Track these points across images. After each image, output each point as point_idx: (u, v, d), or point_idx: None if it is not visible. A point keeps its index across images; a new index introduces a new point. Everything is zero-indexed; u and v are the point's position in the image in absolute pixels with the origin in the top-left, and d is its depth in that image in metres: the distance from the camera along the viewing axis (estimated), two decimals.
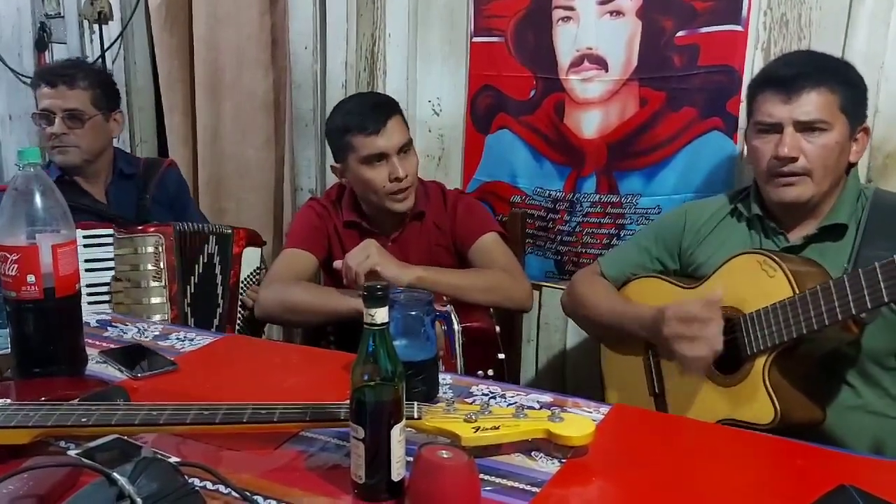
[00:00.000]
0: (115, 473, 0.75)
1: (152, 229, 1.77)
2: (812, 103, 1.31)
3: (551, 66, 1.87)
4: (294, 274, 1.66)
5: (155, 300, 1.75)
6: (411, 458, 0.84)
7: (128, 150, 2.60)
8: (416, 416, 0.94)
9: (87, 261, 1.69)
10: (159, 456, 0.84)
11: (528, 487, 0.90)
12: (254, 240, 1.95)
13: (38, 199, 1.12)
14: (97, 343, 1.37)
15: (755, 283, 1.29)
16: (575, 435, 0.93)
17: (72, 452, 0.88)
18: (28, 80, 2.44)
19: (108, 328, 1.48)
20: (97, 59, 2.54)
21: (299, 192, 2.32)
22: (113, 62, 2.58)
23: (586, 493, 0.91)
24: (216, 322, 1.86)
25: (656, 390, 1.47)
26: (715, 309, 1.25)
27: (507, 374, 1.48)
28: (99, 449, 0.89)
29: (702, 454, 1.02)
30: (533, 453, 0.97)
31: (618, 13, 1.78)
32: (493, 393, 1.18)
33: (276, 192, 2.43)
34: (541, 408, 1.10)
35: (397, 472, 0.86)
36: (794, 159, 1.32)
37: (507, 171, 1.99)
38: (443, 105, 2.06)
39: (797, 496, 0.85)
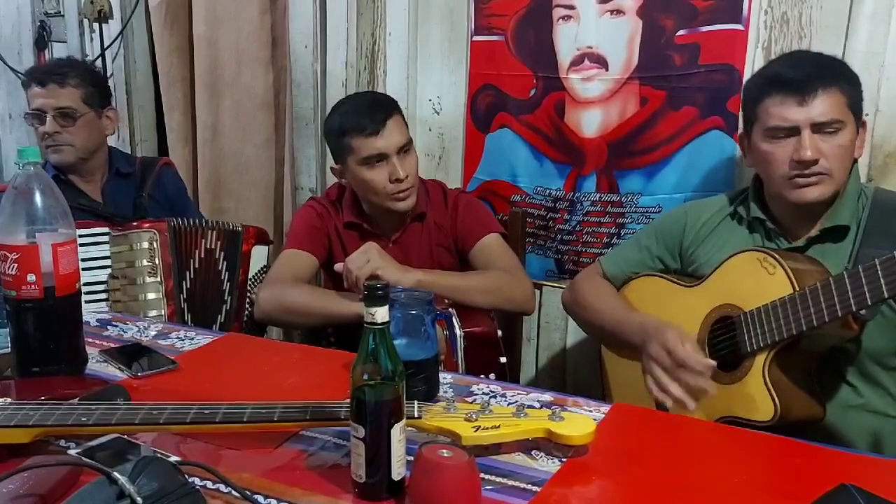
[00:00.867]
0: (115, 472, 0.75)
1: (147, 225, 1.77)
2: (826, 104, 1.30)
3: (551, 64, 1.86)
4: (294, 275, 1.66)
5: (151, 296, 1.75)
6: (412, 458, 0.84)
7: (128, 149, 2.60)
8: (416, 415, 0.94)
9: (83, 260, 1.68)
10: (159, 455, 0.84)
11: (528, 486, 0.90)
12: (262, 238, 1.95)
13: (38, 198, 1.12)
14: (97, 342, 1.37)
15: (755, 280, 1.29)
16: (575, 434, 0.93)
17: (72, 451, 0.88)
18: None
19: (109, 327, 1.48)
20: (97, 57, 2.54)
21: (299, 191, 2.32)
22: (113, 61, 2.57)
23: (587, 492, 0.91)
24: (221, 319, 1.86)
25: None
26: (707, 372, 1.25)
27: (508, 375, 1.48)
28: (99, 448, 0.89)
29: (702, 453, 1.02)
30: (533, 452, 0.97)
31: (618, 12, 1.77)
32: (493, 392, 1.18)
33: (275, 191, 2.43)
34: (541, 407, 1.10)
35: (397, 471, 0.86)
36: (816, 161, 1.31)
37: (508, 170, 1.99)
38: (443, 104, 2.05)
39: (797, 495, 0.85)
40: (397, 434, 0.85)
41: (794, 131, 1.32)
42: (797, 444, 1.02)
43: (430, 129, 2.07)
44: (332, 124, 1.67)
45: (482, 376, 1.34)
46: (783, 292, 1.23)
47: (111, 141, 2.53)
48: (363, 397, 0.85)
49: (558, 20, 1.84)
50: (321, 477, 0.92)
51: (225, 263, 1.87)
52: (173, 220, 1.81)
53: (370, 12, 2.09)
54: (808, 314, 1.19)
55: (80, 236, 1.66)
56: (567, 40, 1.84)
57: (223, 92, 2.36)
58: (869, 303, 1.13)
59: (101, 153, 1.93)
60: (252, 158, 2.40)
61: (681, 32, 1.72)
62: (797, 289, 1.22)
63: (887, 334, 1.30)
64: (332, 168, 1.73)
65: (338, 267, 1.54)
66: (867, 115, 1.54)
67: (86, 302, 1.58)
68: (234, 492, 0.86)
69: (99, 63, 2.53)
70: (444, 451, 0.83)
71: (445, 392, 1.18)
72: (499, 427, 0.93)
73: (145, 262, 1.75)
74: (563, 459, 0.95)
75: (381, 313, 0.85)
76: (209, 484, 0.88)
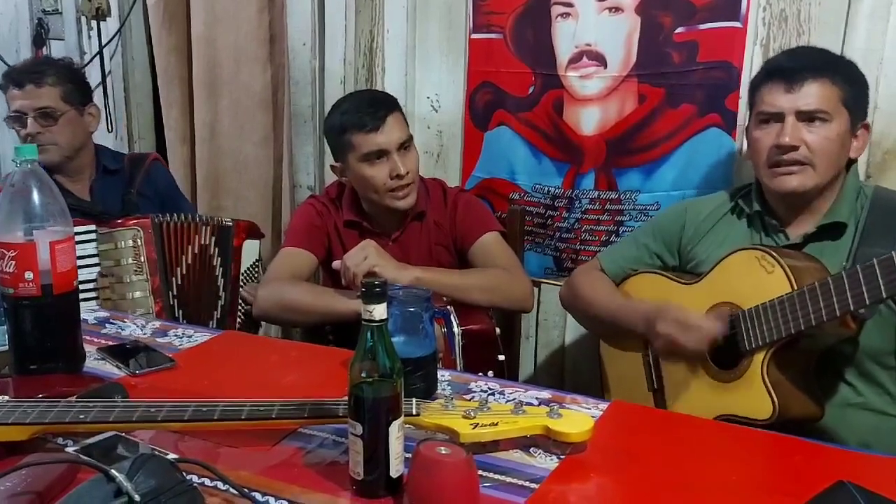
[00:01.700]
0: (112, 470, 0.75)
1: (131, 222, 1.77)
2: (813, 94, 1.32)
3: (550, 62, 1.86)
4: (292, 273, 1.65)
5: (138, 294, 1.75)
6: (410, 455, 0.84)
7: (126, 147, 2.60)
8: (414, 412, 0.94)
9: None
10: (157, 453, 0.83)
11: (526, 483, 0.90)
12: (253, 232, 1.94)
13: (35, 196, 1.11)
14: (95, 340, 1.37)
15: (753, 278, 1.29)
16: (573, 431, 0.93)
17: (70, 449, 0.88)
18: None
19: (106, 325, 1.48)
20: (95, 55, 2.54)
21: (298, 189, 2.32)
22: (111, 59, 2.57)
23: (585, 489, 0.91)
24: (217, 315, 1.86)
25: (655, 386, 1.47)
26: (723, 320, 1.29)
27: (507, 372, 1.48)
28: (97, 446, 0.88)
29: (700, 450, 1.02)
30: (531, 449, 0.97)
31: (617, 9, 1.77)
32: (491, 389, 1.18)
33: (274, 189, 2.43)
34: (539, 404, 1.10)
35: (396, 468, 0.86)
36: (795, 148, 1.32)
37: (506, 167, 1.99)
38: (441, 101, 2.05)
39: (795, 492, 0.85)
40: (395, 431, 0.85)
41: (779, 117, 1.34)
42: (795, 441, 1.02)
43: (428, 127, 2.07)
44: (333, 122, 1.67)
45: (480, 374, 1.34)
46: (781, 291, 1.24)
47: (110, 139, 2.54)
48: (361, 394, 0.85)
49: (557, 18, 1.84)
50: (319, 474, 0.92)
51: (219, 259, 1.86)
52: (157, 216, 1.80)
53: (368, 10, 2.09)
54: (807, 313, 1.19)
55: None
56: (565, 38, 1.84)
57: (221, 90, 2.36)
58: (867, 302, 1.13)
59: (87, 151, 1.92)
60: (250, 156, 2.40)
61: (679, 30, 1.72)
62: (795, 287, 1.22)
63: (885, 333, 1.30)
64: (332, 166, 1.73)
65: (335, 264, 1.54)
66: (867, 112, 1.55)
67: None
68: (231, 489, 0.86)
69: (97, 61, 2.53)
70: (443, 448, 0.83)
71: (444, 389, 1.18)
72: (497, 424, 0.93)
73: (130, 260, 1.75)
74: (562, 456, 0.95)
75: (379, 310, 0.85)
76: (207, 481, 0.88)
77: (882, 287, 1.11)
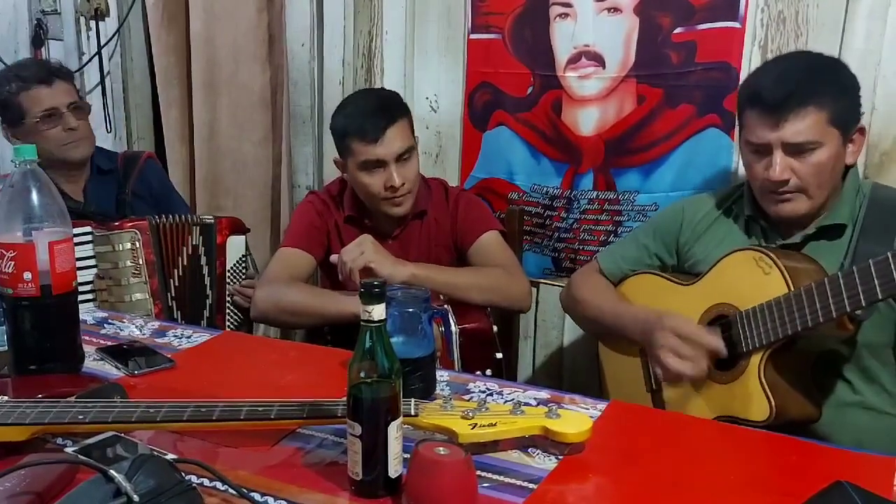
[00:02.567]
0: (111, 470, 0.75)
1: (129, 225, 1.76)
2: (799, 125, 1.28)
3: (549, 62, 1.86)
4: (290, 274, 1.65)
5: (137, 296, 1.75)
6: (408, 455, 0.84)
7: (125, 147, 2.60)
8: (413, 412, 0.94)
9: None
10: (156, 453, 0.83)
11: (525, 484, 0.90)
12: (237, 227, 1.92)
13: (34, 196, 1.12)
14: (94, 340, 1.37)
15: (751, 279, 1.29)
16: (572, 431, 0.94)
17: (69, 449, 0.88)
18: None
19: (105, 325, 1.48)
20: (94, 55, 2.53)
21: (296, 189, 2.32)
22: (110, 59, 2.57)
23: (583, 489, 0.91)
24: (206, 314, 1.85)
25: (653, 386, 1.47)
26: (715, 338, 1.28)
27: (505, 372, 1.48)
28: (96, 446, 0.88)
29: (698, 450, 1.02)
30: (530, 450, 0.97)
31: (615, 10, 1.77)
32: (490, 390, 1.19)
33: (273, 188, 2.43)
34: (538, 404, 1.10)
35: (394, 468, 0.86)
36: (786, 181, 1.31)
37: (505, 168, 1.99)
38: (440, 102, 2.05)
39: (793, 492, 0.85)
40: (394, 432, 0.85)
41: (767, 149, 1.32)
42: (793, 441, 1.02)
43: (427, 128, 2.07)
44: (337, 121, 1.67)
45: (478, 373, 1.35)
46: (778, 292, 1.24)
47: (109, 139, 2.54)
48: (360, 395, 0.85)
49: (555, 18, 1.84)
50: (318, 474, 0.92)
51: (205, 258, 1.85)
52: (154, 218, 1.79)
53: (367, 10, 2.09)
54: (803, 314, 1.19)
55: None
56: (564, 38, 1.84)
57: (220, 90, 2.36)
58: (863, 304, 1.13)
59: None
60: (249, 156, 2.40)
61: (678, 30, 1.73)
62: (792, 288, 1.22)
63: (883, 328, 1.30)
64: (334, 160, 1.73)
65: (333, 258, 1.53)
66: (863, 113, 1.54)
67: None
68: (230, 489, 0.86)
69: (95, 61, 2.53)
70: (441, 448, 0.83)
71: (442, 390, 1.18)
72: (495, 425, 0.93)
73: (129, 263, 1.74)
74: (560, 457, 0.95)
75: (378, 311, 0.85)
76: (206, 482, 0.88)
77: (878, 288, 1.11)
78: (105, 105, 2.54)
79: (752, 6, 1.65)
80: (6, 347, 1.16)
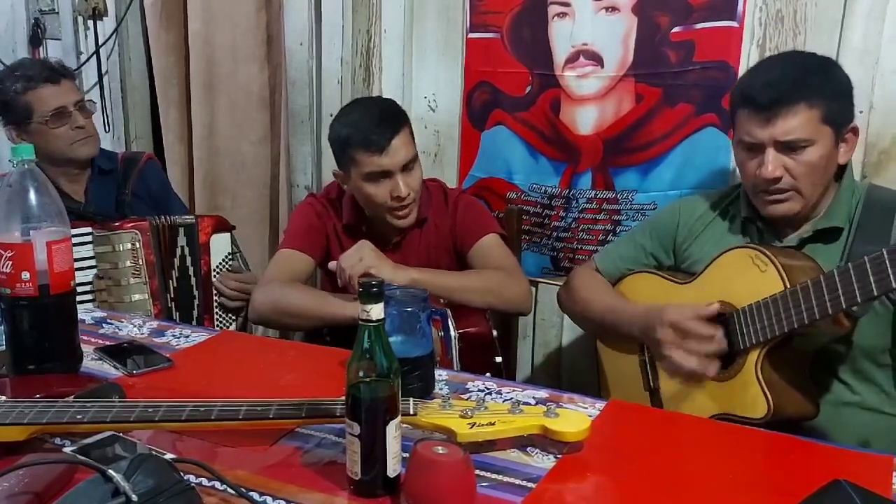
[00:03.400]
0: (110, 470, 0.75)
1: (129, 225, 1.76)
2: (791, 123, 1.28)
3: (547, 62, 1.87)
4: (289, 276, 1.64)
5: (136, 297, 1.75)
6: (407, 455, 0.84)
7: (123, 147, 2.60)
8: (411, 412, 0.94)
9: None
10: (155, 453, 0.83)
11: (523, 483, 0.90)
12: (221, 226, 1.89)
13: (32, 196, 1.11)
14: (92, 340, 1.37)
15: (747, 277, 1.29)
16: (570, 430, 0.94)
17: (67, 449, 0.88)
18: None
19: (104, 325, 1.48)
20: (91, 55, 2.53)
21: (295, 188, 2.32)
22: (108, 58, 2.57)
23: (581, 488, 0.91)
24: (195, 314, 1.85)
25: (651, 385, 1.47)
26: (713, 326, 1.27)
27: (504, 374, 1.48)
28: (94, 446, 0.88)
29: (696, 449, 1.02)
30: (528, 449, 0.97)
31: (613, 9, 1.77)
32: (488, 389, 1.19)
33: (271, 188, 2.43)
34: (536, 403, 1.10)
35: (393, 468, 0.86)
36: (778, 179, 1.31)
37: (503, 167, 1.99)
38: (438, 101, 2.05)
39: (791, 490, 0.85)
40: (393, 431, 0.85)
41: (759, 147, 1.32)
42: (791, 439, 1.02)
43: (425, 127, 2.07)
44: (338, 132, 1.63)
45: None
46: (775, 289, 1.24)
47: (108, 139, 2.54)
48: (359, 394, 0.85)
49: (553, 17, 1.84)
50: (317, 474, 0.92)
51: (190, 259, 1.84)
52: (154, 218, 1.79)
53: (365, 9, 2.09)
54: (800, 312, 1.19)
55: None
56: (562, 37, 1.84)
57: (219, 89, 2.36)
58: (859, 300, 1.13)
59: None
60: (248, 156, 2.40)
61: (676, 29, 1.73)
62: (788, 286, 1.22)
63: (879, 331, 1.30)
64: (334, 172, 1.70)
65: (332, 265, 1.53)
66: (861, 111, 1.55)
67: None
68: (229, 489, 0.86)
69: (93, 61, 2.53)
70: (440, 447, 0.83)
71: (441, 389, 1.18)
72: (494, 424, 0.93)
73: (129, 263, 1.74)
74: (559, 456, 0.95)
75: (377, 310, 0.85)
76: (204, 481, 0.88)
77: (873, 285, 1.11)
78: (103, 105, 2.54)
79: (751, 5, 1.65)
80: (4, 347, 1.16)
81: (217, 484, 0.87)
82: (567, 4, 1.82)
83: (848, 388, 1.34)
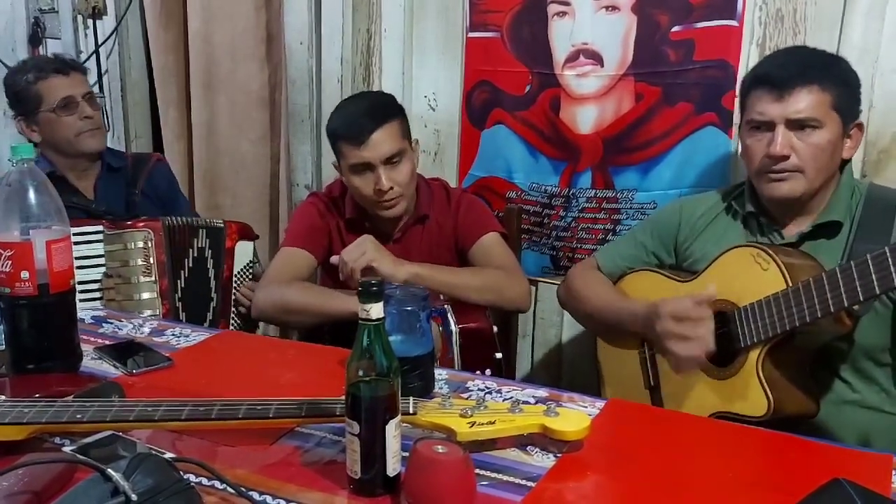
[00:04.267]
0: (110, 470, 0.75)
1: (141, 224, 1.76)
2: (803, 101, 1.31)
3: (547, 61, 1.86)
4: (291, 274, 1.65)
5: (145, 296, 1.75)
6: (407, 454, 0.84)
7: (123, 146, 2.60)
8: (411, 411, 0.94)
9: (77, 258, 1.68)
10: (154, 452, 0.84)
11: (523, 482, 0.90)
12: (246, 233, 1.94)
13: (31, 195, 1.11)
14: (92, 339, 1.37)
15: (749, 276, 1.29)
16: (570, 429, 0.94)
17: (67, 449, 0.88)
18: None
19: (103, 324, 1.48)
20: (91, 54, 2.53)
21: (295, 187, 2.32)
22: (107, 57, 2.57)
23: (581, 487, 0.91)
24: (209, 317, 1.86)
25: (651, 383, 1.47)
26: (705, 308, 1.26)
27: (504, 371, 1.48)
28: (94, 445, 0.89)
29: (696, 448, 1.02)
30: (528, 448, 0.97)
31: (613, 8, 1.77)
32: (488, 388, 1.19)
33: (271, 187, 2.43)
34: (536, 402, 1.10)
35: (393, 467, 0.86)
36: (786, 157, 1.32)
37: (503, 166, 1.99)
38: (438, 100, 2.05)
39: (791, 489, 0.85)
40: (392, 430, 0.85)
41: (769, 126, 1.34)
42: (791, 438, 1.02)
43: (425, 126, 2.07)
44: (331, 125, 1.68)
45: (478, 373, 1.35)
46: (776, 288, 1.24)
47: (108, 138, 2.53)
48: (358, 393, 0.85)
49: (553, 16, 1.84)
50: (317, 473, 0.92)
51: (211, 262, 1.86)
52: (168, 219, 1.80)
53: (365, 8, 2.08)
54: (801, 310, 1.20)
55: (74, 234, 1.67)
56: (562, 36, 1.84)
57: (218, 88, 2.36)
58: (861, 298, 1.14)
59: None
60: (248, 155, 2.40)
61: (675, 28, 1.73)
62: (790, 284, 1.23)
63: (880, 330, 1.31)
64: (333, 163, 1.73)
65: (333, 259, 1.54)
66: (861, 110, 1.55)
67: (80, 301, 1.58)
68: (229, 488, 0.86)
69: (93, 59, 2.53)
70: (440, 446, 0.83)
71: (441, 388, 1.18)
72: (494, 423, 0.93)
73: (140, 262, 1.75)
74: (558, 455, 0.95)
75: (376, 309, 0.85)
76: (204, 481, 0.88)
77: (875, 282, 1.11)
78: (103, 104, 2.54)
79: (750, 4, 1.65)
80: (4, 347, 1.16)
81: (217, 483, 0.87)
82: (567, 3, 1.82)
83: (848, 387, 1.34)
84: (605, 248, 1.71)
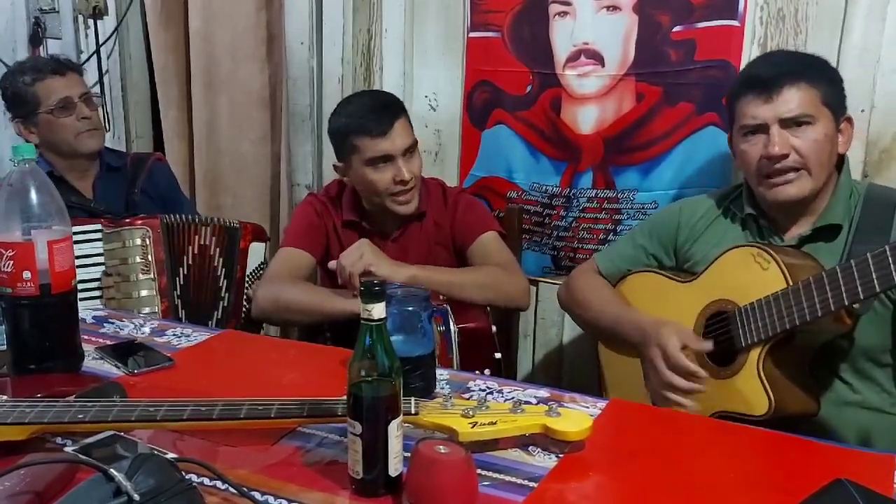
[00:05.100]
0: (111, 470, 0.75)
1: (139, 222, 1.77)
2: (793, 99, 1.31)
3: (548, 61, 1.86)
4: (291, 273, 1.66)
5: (144, 293, 1.75)
6: (409, 454, 0.84)
7: (123, 146, 2.60)
8: (413, 411, 0.94)
9: (76, 257, 1.68)
10: (156, 452, 0.84)
11: (525, 482, 0.90)
12: (259, 235, 1.96)
13: (33, 195, 1.11)
14: (93, 339, 1.37)
15: (749, 275, 1.29)
16: (572, 430, 0.94)
17: (68, 449, 0.88)
18: None
19: (105, 324, 1.48)
20: (92, 54, 2.53)
21: (296, 187, 2.32)
22: (108, 57, 2.56)
23: (583, 487, 0.91)
24: (217, 315, 1.86)
25: None
26: (701, 381, 1.26)
27: (505, 371, 1.48)
28: (96, 445, 0.88)
29: (698, 448, 1.02)
30: (530, 448, 0.97)
31: (614, 8, 1.77)
32: (490, 388, 1.19)
33: (272, 187, 2.43)
34: (538, 403, 1.10)
35: (395, 467, 0.86)
36: (786, 156, 1.32)
37: (504, 166, 1.99)
38: (439, 100, 2.05)
39: (793, 489, 0.85)
40: (394, 430, 0.85)
41: (763, 128, 1.34)
42: (792, 438, 1.02)
43: (426, 126, 2.07)
44: (338, 123, 1.67)
45: (477, 372, 1.35)
46: (777, 287, 1.24)
47: (108, 138, 2.54)
48: (360, 394, 0.85)
49: (554, 16, 1.84)
50: (318, 473, 0.92)
51: (221, 260, 1.87)
52: (166, 216, 1.81)
53: (366, 8, 2.08)
54: (802, 309, 1.20)
55: (73, 233, 1.68)
56: (563, 36, 1.84)
57: (219, 88, 2.36)
58: (861, 297, 1.14)
59: None
60: (248, 155, 2.40)
61: (677, 28, 1.73)
62: (790, 283, 1.23)
63: (879, 330, 1.31)
64: (334, 165, 1.73)
65: (332, 264, 1.54)
66: (862, 110, 1.55)
67: (80, 300, 1.58)
68: (231, 488, 0.86)
69: (94, 60, 2.53)
70: (441, 447, 0.83)
71: (442, 388, 1.18)
72: (495, 423, 0.93)
73: (138, 259, 1.75)
74: (560, 455, 0.95)
75: (378, 310, 0.85)
76: (206, 481, 0.88)
77: (875, 281, 1.11)
78: (104, 104, 2.54)
79: (752, 4, 1.65)
80: (5, 347, 1.16)
81: (219, 483, 0.87)
82: (568, 3, 1.82)
83: (849, 388, 1.34)
84: (604, 250, 1.71)
